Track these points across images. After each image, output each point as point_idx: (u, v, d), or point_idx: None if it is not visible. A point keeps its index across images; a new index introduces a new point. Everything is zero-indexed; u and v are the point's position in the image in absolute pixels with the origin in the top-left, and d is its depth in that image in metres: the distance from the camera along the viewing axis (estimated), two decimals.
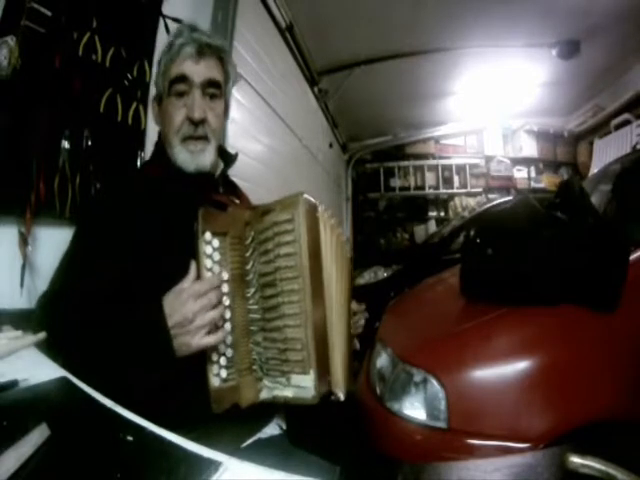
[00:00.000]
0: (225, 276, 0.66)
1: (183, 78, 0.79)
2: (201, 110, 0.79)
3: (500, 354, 1.08)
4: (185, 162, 0.80)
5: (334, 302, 0.69)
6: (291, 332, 0.63)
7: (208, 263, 0.66)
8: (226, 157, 0.91)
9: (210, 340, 0.64)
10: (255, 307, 0.67)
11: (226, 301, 0.66)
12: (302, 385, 0.62)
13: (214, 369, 0.65)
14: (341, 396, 0.67)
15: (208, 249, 0.66)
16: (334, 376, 0.67)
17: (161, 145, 0.85)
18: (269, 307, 0.65)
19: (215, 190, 0.85)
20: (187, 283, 0.64)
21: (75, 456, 0.42)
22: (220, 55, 0.82)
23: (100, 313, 0.65)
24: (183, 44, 0.79)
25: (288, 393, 0.63)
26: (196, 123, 0.79)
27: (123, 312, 0.65)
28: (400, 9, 2.96)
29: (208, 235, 0.66)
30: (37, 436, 0.41)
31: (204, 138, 0.80)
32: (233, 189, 0.95)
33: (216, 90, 0.82)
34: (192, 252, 0.66)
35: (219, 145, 0.87)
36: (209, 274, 0.65)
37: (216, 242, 0.66)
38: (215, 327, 0.65)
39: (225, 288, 0.66)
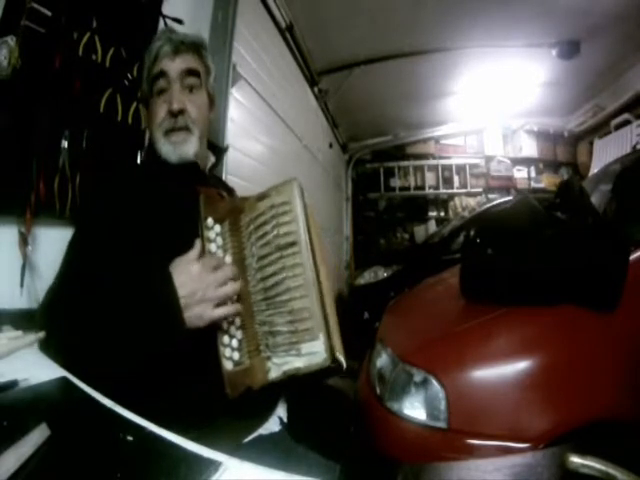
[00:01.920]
0: (229, 260, 0.69)
1: (162, 74, 0.82)
2: (179, 101, 0.81)
3: (500, 354, 1.09)
4: (168, 153, 0.82)
5: (324, 275, 0.71)
6: (297, 303, 0.64)
7: (212, 247, 0.69)
8: (216, 150, 0.93)
9: (224, 311, 0.65)
10: (257, 288, 0.68)
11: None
12: (313, 351, 0.63)
13: (227, 352, 0.66)
14: (343, 361, 0.68)
15: (211, 234, 0.69)
16: (334, 341, 0.67)
17: (151, 142, 0.88)
18: (271, 285, 0.66)
19: (202, 181, 0.87)
20: (194, 255, 0.66)
21: (75, 456, 0.42)
22: (197, 49, 0.86)
23: (106, 294, 0.65)
24: (161, 45, 0.83)
25: (299, 364, 0.64)
26: (175, 114, 0.81)
27: (131, 286, 0.65)
28: (400, 9, 2.96)
29: (210, 220, 0.70)
30: (37, 436, 0.41)
31: (185, 129, 0.83)
32: (229, 191, 0.96)
33: (195, 80, 0.84)
34: (185, 242, 0.68)
35: (207, 139, 0.89)
36: (216, 255, 0.68)
37: (217, 227, 0.70)
38: (225, 302, 0.66)
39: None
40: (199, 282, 0.63)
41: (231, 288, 0.66)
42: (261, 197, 0.69)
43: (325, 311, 0.65)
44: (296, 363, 0.64)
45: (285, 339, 0.65)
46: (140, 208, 0.75)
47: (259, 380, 0.66)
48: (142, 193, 0.78)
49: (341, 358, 0.66)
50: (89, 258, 0.71)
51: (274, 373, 0.66)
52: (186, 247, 0.67)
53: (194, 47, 0.86)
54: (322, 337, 0.63)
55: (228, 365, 0.65)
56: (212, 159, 0.92)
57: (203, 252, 0.68)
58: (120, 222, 0.72)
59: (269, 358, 0.66)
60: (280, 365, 0.65)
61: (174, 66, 0.82)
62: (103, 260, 0.69)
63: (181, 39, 0.84)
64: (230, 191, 0.98)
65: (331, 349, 0.63)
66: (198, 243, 0.68)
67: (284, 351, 0.65)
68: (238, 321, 0.67)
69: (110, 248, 0.70)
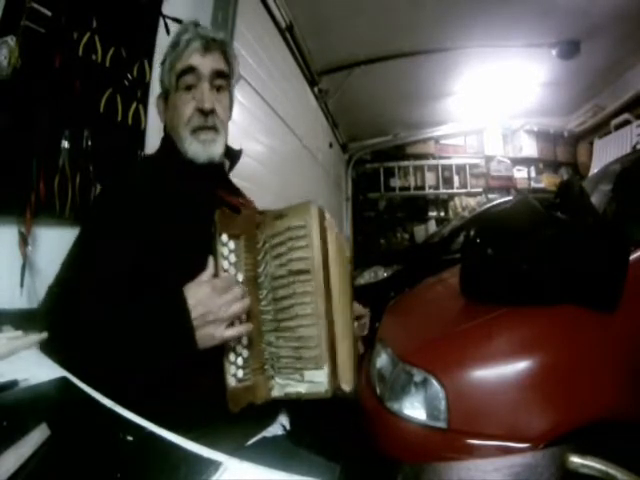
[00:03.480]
0: (240, 278, 0.68)
1: (191, 69, 0.80)
2: (210, 101, 0.79)
3: (500, 354, 1.09)
4: (197, 153, 0.80)
5: (338, 302, 0.70)
6: (305, 331, 0.65)
7: (225, 264, 0.67)
8: (231, 154, 0.91)
9: (234, 332, 0.65)
10: (267, 308, 0.69)
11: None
12: (316, 380, 0.64)
13: (231, 369, 0.66)
14: (346, 388, 0.68)
15: (225, 251, 0.67)
16: (340, 371, 0.68)
17: (170, 140, 0.84)
18: (281, 308, 0.67)
19: (226, 182, 0.85)
20: (207, 276, 0.66)
21: (75, 456, 0.42)
22: (224, 49, 0.84)
23: (116, 307, 0.65)
24: (190, 39, 0.80)
25: (301, 389, 0.65)
26: (206, 113, 0.79)
27: (143, 304, 0.65)
28: (400, 9, 2.96)
29: (225, 237, 0.67)
30: (37, 436, 0.41)
31: (214, 128, 0.81)
32: (239, 193, 0.95)
33: (223, 81, 0.83)
34: (207, 248, 0.67)
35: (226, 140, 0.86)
36: (226, 275, 0.67)
37: (232, 244, 0.68)
38: (237, 320, 0.66)
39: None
40: (210, 304, 0.63)
41: (239, 307, 0.65)
42: (278, 216, 0.68)
43: (334, 340, 0.65)
44: (298, 388, 0.65)
45: (290, 363, 0.66)
46: (159, 211, 0.72)
47: (261, 396, 0.67)
48: (161, 194, 0.75)
49: (347, 389, 0.67)
50: (102, 262, 0.69)
51: (276, 392, 0.67)
52: (203, 258, 0.67)
53: (223, 47, 0.83)
54: (326, 368, 0.63)
55: (232, 382, 0.65)
56: (227, 163, 0.90)
57: (216, 269, 0.66)
58: (137, 224, 0.70)
59: (273, 377, 0.67)
60: (283, 386, 0.67)
61: (205, 63, 0.80)
62: (118, 266, 0.68)
63: (211, 36, 0.81)
64: (246, 201, 0.94)
65: (334, 381, 0.63)
66: (211, 261, 0.67)
67: (287, 374, 0.66)
68: (245, 340, 0.68)
69: (125, 252, 0.69)
